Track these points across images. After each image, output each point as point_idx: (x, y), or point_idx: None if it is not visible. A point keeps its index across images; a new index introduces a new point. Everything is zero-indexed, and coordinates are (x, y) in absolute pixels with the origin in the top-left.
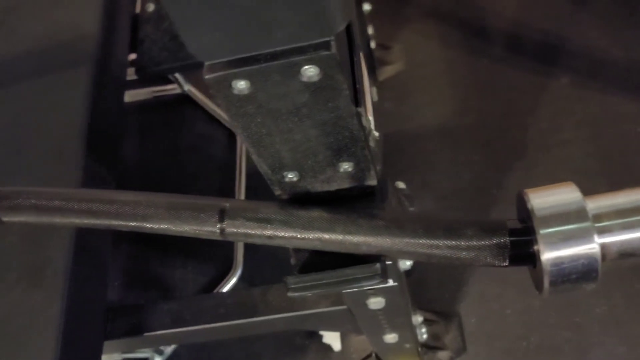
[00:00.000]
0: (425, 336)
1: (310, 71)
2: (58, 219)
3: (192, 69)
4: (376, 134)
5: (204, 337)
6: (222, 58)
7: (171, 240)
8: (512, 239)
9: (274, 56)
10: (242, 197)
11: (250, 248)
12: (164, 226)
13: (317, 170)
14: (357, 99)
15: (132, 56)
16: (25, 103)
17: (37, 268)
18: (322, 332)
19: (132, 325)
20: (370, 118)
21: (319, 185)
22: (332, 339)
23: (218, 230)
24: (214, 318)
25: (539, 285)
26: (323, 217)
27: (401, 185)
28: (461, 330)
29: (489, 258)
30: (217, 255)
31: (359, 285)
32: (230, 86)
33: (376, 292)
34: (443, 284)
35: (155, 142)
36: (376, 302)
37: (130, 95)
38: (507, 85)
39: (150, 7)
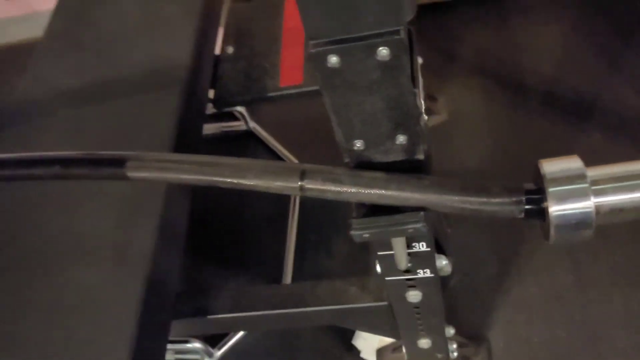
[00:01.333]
0: (455, 354)
1: (383, 52)
2: (172, 175)
3: (260, 103)
4: (425, 117)
5: (258, 324)
6: (323, 39)
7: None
8: (527, 197)
9: (359, 39)
10: (295, 226)
11: (297, 267)
12: (255, 183)
13: (378, 141)
14: (414, 81)
15: (211, 92)
16: (115, 124)
17: (123, 247)
18: (359, 348)
19: (196, 309)
20: (422, 102)
21: (379, 156)
22: (369, 354)
23: (299, 187)
24: (267, 306)
25: (546, 235)
26: (382, 177)
27: None
28: (490, 353)
29: (508, 212)
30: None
31: (406, 228)
32: (325, 60)
33: (415, 283)
34: (473, 309)
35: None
36: (414, 295)
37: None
38: (541, 136)
39: (230, 50)
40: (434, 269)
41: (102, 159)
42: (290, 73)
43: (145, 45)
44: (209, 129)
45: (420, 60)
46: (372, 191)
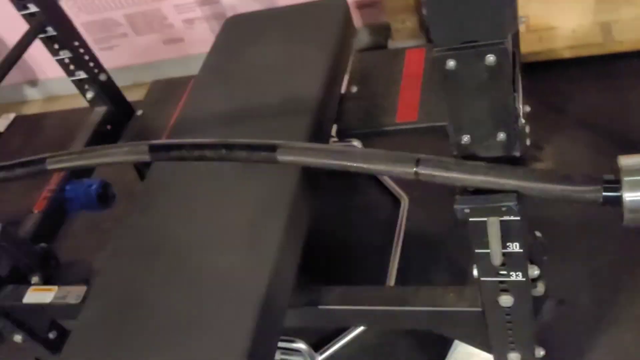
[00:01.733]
0: None
1: (490, 58)
2: (314, 160)
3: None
4: (522, 120)
5: (363, 319)
6: (444, 46)
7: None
8: (605, 185)
9: (472, 47)
10: (399, 252)
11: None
12: (379, 167)
13: (482, 136)
14: (514, 85)
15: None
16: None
17: (255, 239)
18: None
19: (310, 300)
20: (520, 106)
21: (481, 150)
22: None
23: (414, 172)
24: (373, 302)
25: (621, 218)
26: (483, 165)
27: (538, 234)
28: None
29: (588, 198)
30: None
31: (501, 205)
32: (445, 63)
33: (507, 287)
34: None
35: (330, 199)
36: (506, 299)
37: None
38: None
39: (354, 89)
40: (525, 273)
41: (258, 144)
42: (406, 111)
43: (283, 81)
44: None
45: (527, 108)
46: (475, 177)
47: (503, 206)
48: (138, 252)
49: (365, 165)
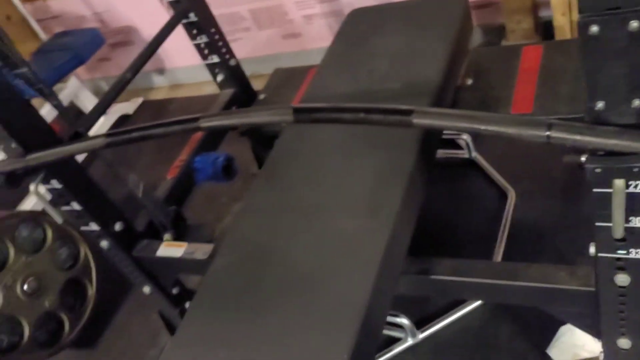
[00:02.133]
0: None
1: (634, 24)
2: (448, 123)
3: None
4: None
5: (472, 291)
6: (589, 12)
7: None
8: None
9: (617, 13)
10: (504, 243)
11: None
12: (511, 131)
13: (617, 102)
14: None
15: None
16: (369, 128)
17: (376, 206)
18: (554, 358)
19: (421, 269)
20: None
21: (614, 117)
22: None
23: (546, 136)
24: (483, 275)
25: None
26: (615, 130)
27: None
28: None
29: None
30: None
31: (632, 166)
32: (588, 29)
33: (625, 265)
34: None
35: (440, 191)
36: (623, 279)
37: None
38: None
39: (469, 82)
40: None
41: (395, 109)
42: (521, 103)
43: (403, 70)
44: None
45: None
46: (608, 141)
47: (635, 167)
48: (265, 212)
49: (497, 129)
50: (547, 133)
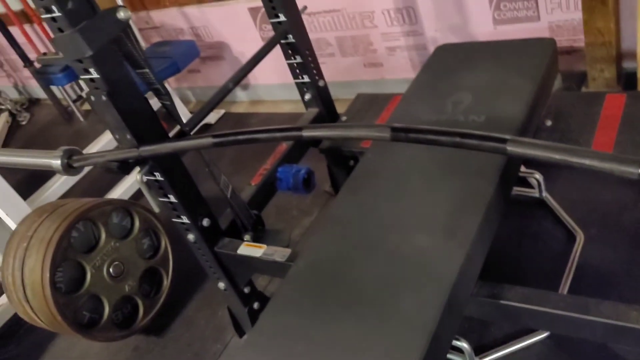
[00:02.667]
0: None
1: None
2: (541, 153)
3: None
4: None
5: (542, 321)
6: None
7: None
8: None
9: None
10: (567, 286)
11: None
12: (602, 166)
13: None
14: None
15: None
16: (451, 152)
17: (454, 227)
18: None
19: (492, 293)
20: None
21: None
22: None
23: (638, 173)
24: (554, 306)
25: None
26: None
27: None
28: None
29: None
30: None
31: None
32: None
33: None
34: None
35: (508, 227)
36: None
37: None
38: None
39: (548, 122)
40: None
41: (490, 136)
42: (600, 149)
43: (488, 104)
44: None
45: None
46: None
47: None
48: (346, 223)
49: (589, 163)
50: (639, 171)
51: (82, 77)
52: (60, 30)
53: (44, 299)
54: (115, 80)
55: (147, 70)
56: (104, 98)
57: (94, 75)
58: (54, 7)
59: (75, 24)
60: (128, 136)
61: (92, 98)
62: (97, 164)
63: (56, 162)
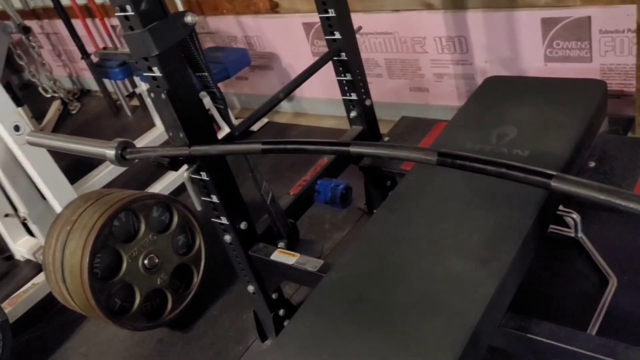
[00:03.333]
0: None
1: None
2: (582, 191)
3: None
4: None
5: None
6: None
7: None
8: None
9: None
10: (596, 330)
11: None
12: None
13: None
14: None
15: None
16: (494, 181)
17: (490, 255)
18: None
19: (520, 326)
20: None
21: None
22: None
23: None
24: (582, 346)
25: None
26: None
27: None
28: None
29: None
30: None
31: None
32: None
33: None
34: None
35: (541, 264)
36: None
37: None
38: None
39: (592, 164)
40: None
41: (536, 170)
42: None
43: (534, 139)
44: None
45: None
46: None
47: None
48: (381, 241)
49: (633, 206)
50: None
51: (145, 74)
52: (131, 29)
53: (81, 282)
54: (176, 80)
55: (206, 74)
56: (163, 96)
57: (157, 73)
58: (128, 7)
59: (146, 24)
60: (181, 134)
61: (152, 95)
62: (150, 158)
63: (110, 152)
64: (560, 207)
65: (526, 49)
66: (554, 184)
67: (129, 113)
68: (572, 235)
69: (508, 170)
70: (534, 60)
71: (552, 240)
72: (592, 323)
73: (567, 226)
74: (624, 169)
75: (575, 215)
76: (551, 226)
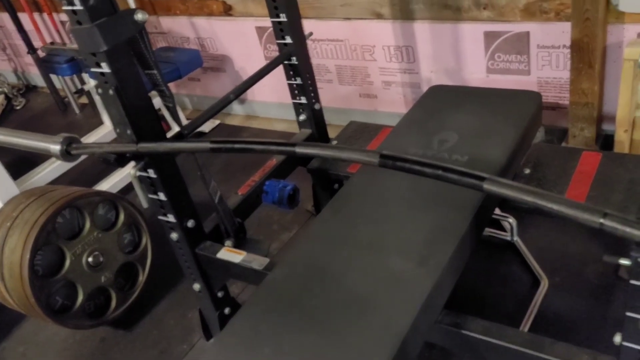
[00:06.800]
0: None
1: None
2: (512, 194)
3: (535, 217)
4: None
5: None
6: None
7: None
8: None
9: None
10: (528, 325)
11: None
12: (568, 212)
13: None
14: None
15: None
16: (437, 184)
17: (427, 254)
18: None
19: (455, 323)
20: None
21: None
22: None
23: (599, 222)
24: (512, 341)
25: None
26: None
27: None
28: None
29: None
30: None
31: None
32: None
33: None
34: None
35: (476, 266)
36: None
37: None
38: None
39: (527, 171)
40: None
41: (470, 173)
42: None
43: (470, 147)
44: None
45: None
46: None
47: None
48: (325, 240)
49: (558, 208)
50: (601, 220)
51: (93, 70)
52: (79, 23)
53: (21, 279)
54: (124, 77)
55: (155, 72)
56: (111, 92)
57: (105, 70)
58: (76, 1)
59: (95, 19)
60: (128, 131)
61: (100, 91)
62: (95, 154)
63: (55, 148)
64: (498, 212)
65: (470, 60)
66: (486, 186)
67: (77, 110)
68: (508, 238)
69: (444, 173)
70: (476, 71)
71: (489, 243)
72: (524, 321)
73: (504, 230)
74: (556, 176)
75: (511, 220)
76: (488, 229)
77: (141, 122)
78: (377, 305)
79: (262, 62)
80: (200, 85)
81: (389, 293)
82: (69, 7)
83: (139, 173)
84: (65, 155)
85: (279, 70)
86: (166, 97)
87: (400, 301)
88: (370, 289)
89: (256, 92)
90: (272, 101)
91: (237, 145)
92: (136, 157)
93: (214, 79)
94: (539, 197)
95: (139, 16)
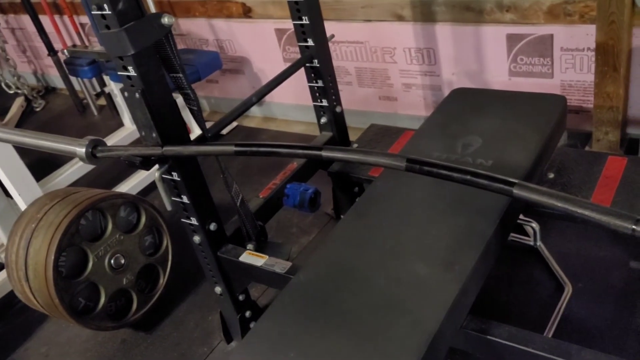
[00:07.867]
0: None
1: None
2: (543, 199)
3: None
4: None
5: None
6: None
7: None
8: None
9: None
10: (552, 331)
11: None
12: (599, 218)
13: None
14: None
15: None
16: (460, 188)
17: (453, 260)
18: None
19: (480, 328)
20: None
21: None
22: None
23: (631, 228)
24: (538, 347)
25: None
26: None
27: None
28: None
29: None
30: None
31: None
32: None
33: None
34: None
35: (499, 271)
36: None
37: None
38: None
39: (550, 175)
40: None
41: (500, 178)
42: None
43: (494, 151)
44: None
45: None
46: None
47: None
48: (349, 244)
49: (588, 213)
50: (634, 226)
51: (120, 73)
52: (108, 28)
53: (45, 280)
54: (151, 80)
55: (180, 75)
56: (137, 96)
57: (132, 73)
58: (105, 6)
59: (123, 23)
60: (154, 134)
61: (126, 94)
62: (121, 157)
63: (81, 150)
64: (521, 217)
65: (492, 63)
66: (516, 191)
67: (95, 112)
68: (531, 243)
69: (473, 178)
70: (498, 74)
71: (512, 248)
72: (548, 327)
73: (527, 235)
74: (580, 181)
75: (534, 224)
76: (512, 234)
77: (166, 125)
78: (403, 310)
79: (280, 64)
80: (218, 87)
81: (415, 298)
82: (98, 12)
83: (163, 176)
84: (91, 157)
85: (298, 72)
86: (190, 100)
87: (426, 306)
88: (395, 293)
89: (274, 94)
90: (290, 103)
91: (262, 149)
92: (161, 160)
93: (232, 81)
94: (569, 203)
95: (166, 20)
